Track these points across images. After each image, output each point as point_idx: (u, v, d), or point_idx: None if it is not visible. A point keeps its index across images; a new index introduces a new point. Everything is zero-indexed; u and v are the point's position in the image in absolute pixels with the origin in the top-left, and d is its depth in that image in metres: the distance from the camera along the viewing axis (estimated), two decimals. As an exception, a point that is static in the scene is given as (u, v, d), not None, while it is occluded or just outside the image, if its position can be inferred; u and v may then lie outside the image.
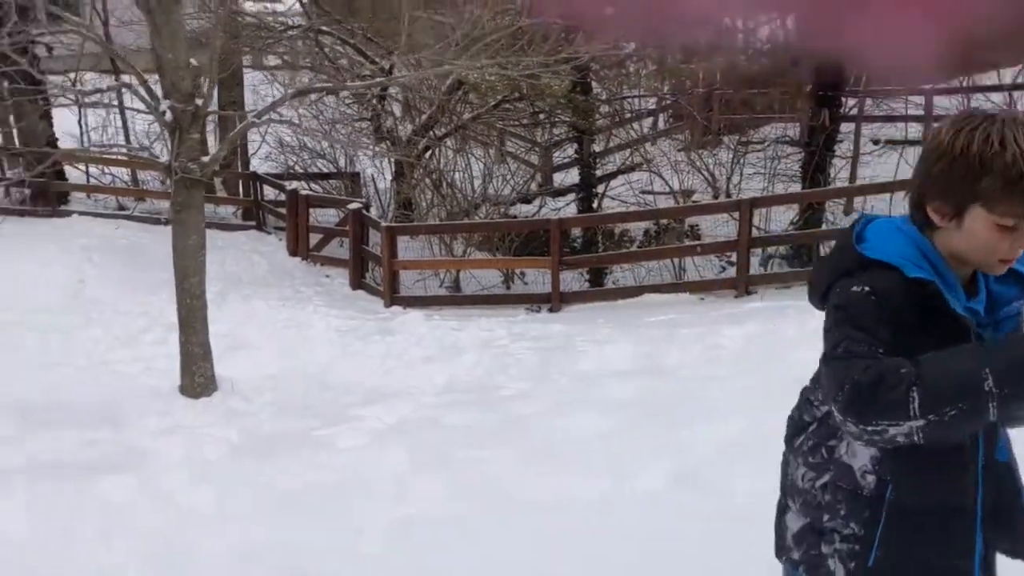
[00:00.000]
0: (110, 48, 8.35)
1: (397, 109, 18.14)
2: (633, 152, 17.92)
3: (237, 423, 7.51)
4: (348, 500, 5.09)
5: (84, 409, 8.59)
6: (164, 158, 8.72)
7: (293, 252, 16.26)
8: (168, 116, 8.26)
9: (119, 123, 18.90)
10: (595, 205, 16.86)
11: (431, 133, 16.66)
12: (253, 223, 17.78)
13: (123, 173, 18.28)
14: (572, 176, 18.09)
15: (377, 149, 15.80)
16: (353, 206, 14.80)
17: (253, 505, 5.30)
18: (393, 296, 13.69)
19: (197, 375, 8.74)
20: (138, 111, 9.78)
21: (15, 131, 16.86)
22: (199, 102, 8.32)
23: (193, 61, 8.39)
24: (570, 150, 18.30)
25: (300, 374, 9.53)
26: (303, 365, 10.01)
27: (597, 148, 17.47)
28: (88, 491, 5.77)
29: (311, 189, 17.31)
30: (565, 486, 4.80)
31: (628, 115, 18.67)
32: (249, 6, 11.84)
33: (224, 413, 8.07)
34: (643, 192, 17.18)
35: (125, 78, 17.76)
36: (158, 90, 8.32)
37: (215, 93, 8.78)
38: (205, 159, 8.51)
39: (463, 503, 4.78)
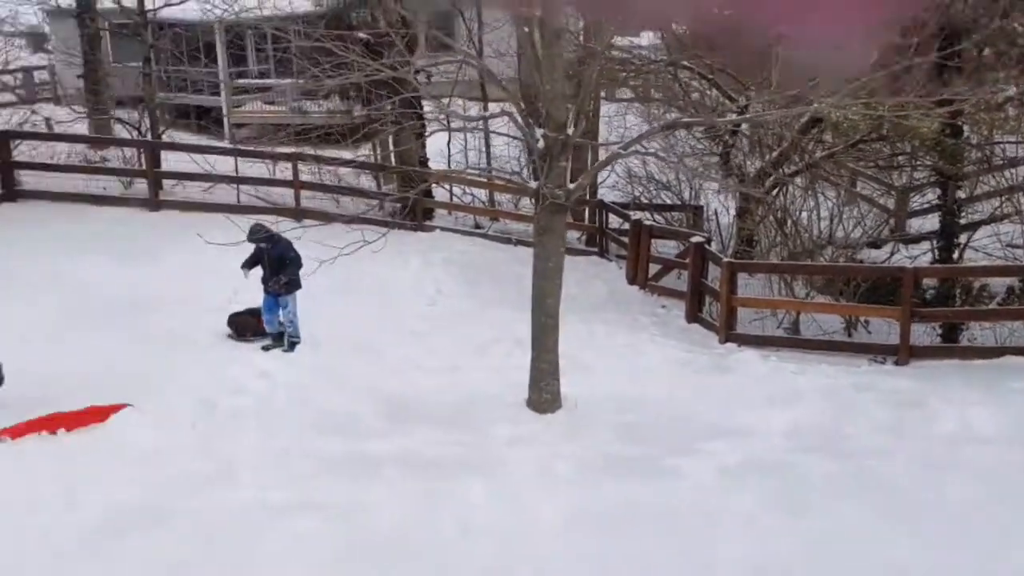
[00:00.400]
0: (493, 77, 8.97)
1: (746, 144, 17.97)
2: (1004, 202, 16.55)
3: (582, 441, 7.76)
4: (698, 531, 5.12)
5: (440, 410, 9.27)
6: (532, 183, 9.21)
7: (632, 280, 16.52)
8: (540, 144, 8.72)
9: (482, 146, 20.20)
10: (955, 256, 15.74)
11: (780, 170, 16.35)
12: (596, 250, 18.27)
13: (482, 194, 19.52)
14: (929, 223, 16.97)
15: (725, 184, 15.74)
16: (695, 239, 14.82)
17: (602, 523, 5.48)
18: (729, 332, 13.54)
19: (545, 391, 9.13)
20: (511, 136, 10.38)
21: (392, 152, 18.50)
22: (570, 131, 8.72)
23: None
24: (930, 195, 17.20)
25: (639, 400, 9.67)
26: (642, 392, 10.15)
27: (962, 195, 16.32)
28: (448, 488, 6.24)
29: (654, 220, 17.52)
30: (932, 552, 4.53)
31: (1001, 161, 17.27)
32: (618, 40, 12.27)
33: (568, 430, 8.36)
34: (1010, 246, 15.82)
35: (493, 107, 19.01)
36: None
37: (580, 124, 9.17)
38: (571, 186, 8.90)
39: (820, 555, 4.66)
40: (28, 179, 18.70)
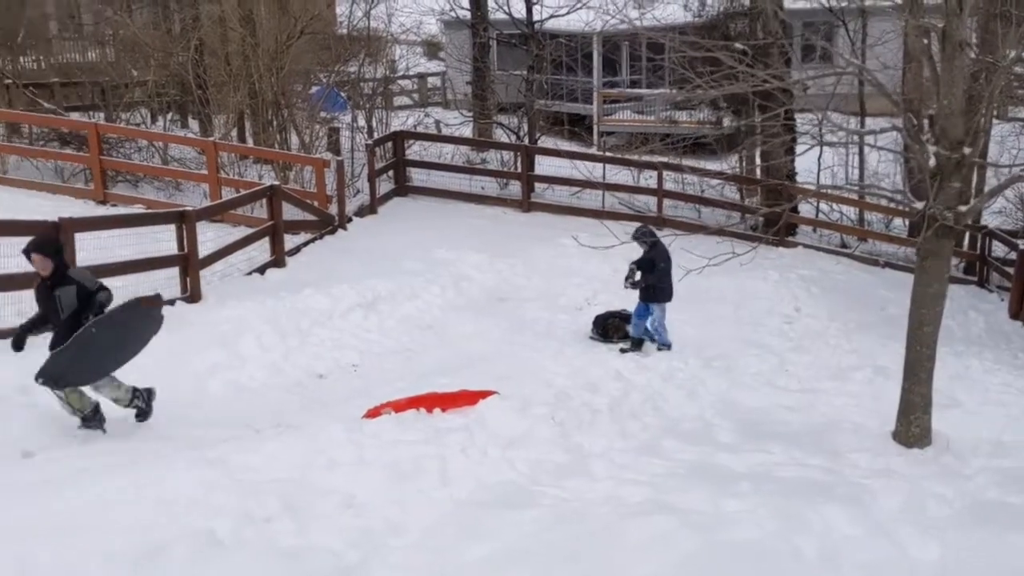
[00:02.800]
0: (884, 90, 8.53)
1: None
2: None
3: (954, 484, 7.21)
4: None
5: (797, 431, 9.00)
6: (917, 204, 8.67)
7: (1015, 315, 15.15)
8: (932, 162, 8.20)
9: (853, 163, 19.41)
10: None
11: None
12: (975, 279, 16.95)
13: (850, 212, 18.75)
14: None
15: None
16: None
17: (980, 573, 5.06)
18: None
19: (914, 424, 8.58)
20: (892, 151, 9.86)
21: (759, 165, 18.26)
22: (967, 150, 8.12)
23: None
24: None
25: (1021, 446, 8.81)
26: (1023, 437, 9.24)
27: None
28: (808, 511, 6.04)
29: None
30: None
31: None
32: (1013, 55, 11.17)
33: (939, 470, 7.80)
34: None
35: (871, 122, 18.14)
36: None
37: (979, 142, 8.50)
38: (962, 209, 8.28)
39: None
40: (418, 175, 20.46)
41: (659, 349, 11.89)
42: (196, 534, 5.59)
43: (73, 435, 7.86)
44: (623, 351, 11.77)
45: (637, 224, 12.35)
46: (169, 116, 22.24)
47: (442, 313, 13.08)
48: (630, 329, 12.02)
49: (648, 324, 11.96)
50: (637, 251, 11.82)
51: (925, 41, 8.52)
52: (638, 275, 11.67)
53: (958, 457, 8.31)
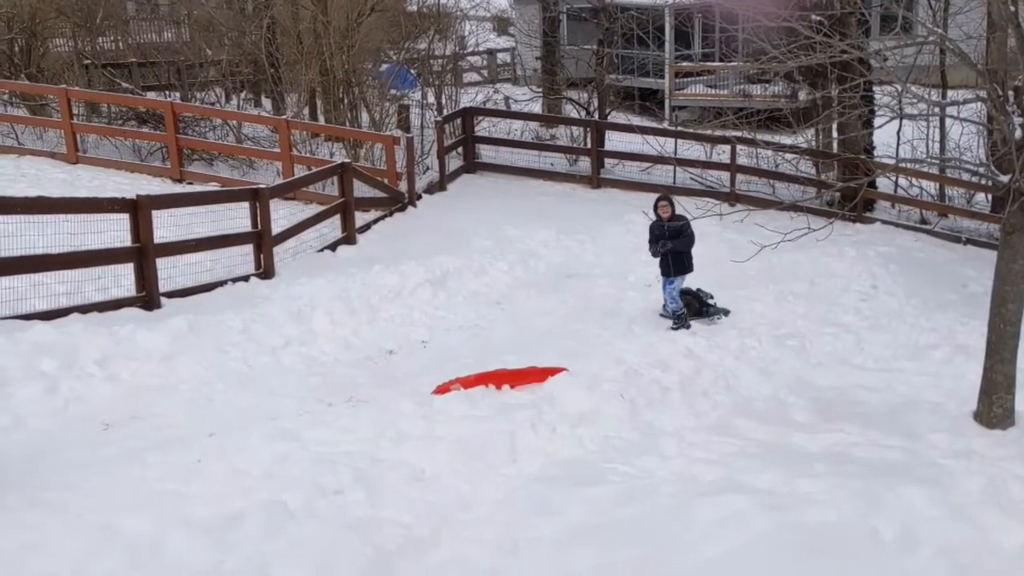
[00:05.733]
0: (968, 59, 8.23)
1: None
2: None
3: (1040, 466, 6.96)
4: None
5: (874, 411, 8.79)
6: (1001, 177, 8.37)
7: (1105, 293, 14.59)
8: (1019, 134, 7.89)
9: (934, 136, 18.86)
10: None
11: None
12: (1061, 255, 16.37)
13: (930, 187, 18.25)
14: None
15: None
16: None
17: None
18: None
19: (996, 404, 8.31)
20: (976, 123, 9.52)
21: (835, 138, 17.85)
22: (1054, 121, 7.80)
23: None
24: None
25: (1110, 430, 8.47)
26: (1113, 420, 8.89)
27: None
28: (886, 492, 5.89)
29: None
30: None
31: None
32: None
33: (1022, 451, 7.55)
34: None
35: (952, 94, 17.58)
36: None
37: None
38: (1050, 182, 7.96)
39: None
40: (486, 152, 20.47)
41: (676, 316, 11.78)
42: (270, 505, 5.67)
43: (150, 407, 8.03)
44: (674, 328, 11.60)
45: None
46: (242, 95, 22.54)
47: (510, 290, 13.07)
48: (668, 306, 11.90)
49: (664, 293, 11.97)
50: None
51: (1012, 8, 8.18)
52: (666, 244, 11.61)
53: (1043, 439, 8.03)
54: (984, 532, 5.22)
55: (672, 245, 11.58)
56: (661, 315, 12.21)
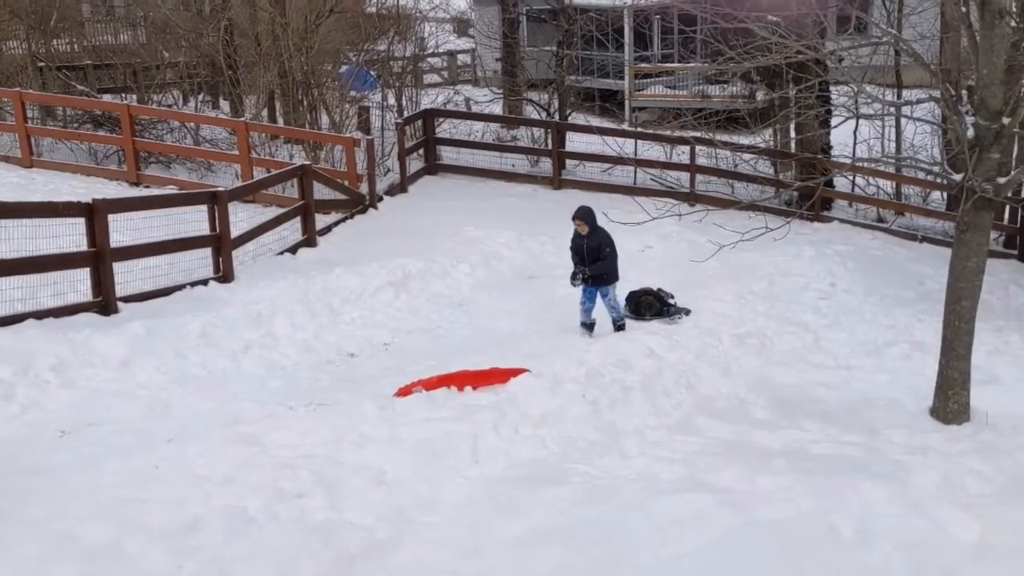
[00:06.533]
0: (921, 60, 8.35)
1: None
2: None
3: (994, 461, 7.08)
4: None
5: (833, 408, 8.90)
6: (955, 176, 8.51)
7: (1059, 289, 14.88)
8: (971, 133, 8.03)
9: (890, 136, 19.10)
10: None
11: None
12: (1015, 252, 16.66)
13: (887, 186, 18.49)
14: None
15: None
16: None
17: (1021, 550, 4.96)
18: None
19: (951, 400, 8.45)
20: (929, 123, 9.66)
21: (793, 138, 18.02)
22: (1006, 121, 7.93)
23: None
24: None
25: (1060, 423, 8.64)
26: (1063, 413, 9.06)
27: None
28: (844, 489, 5.96)
29: (1089, 224, 15.64)
30: None
31: None
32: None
33: (977, 446, 7.67)
34: None
35: (907, 93, 17.83)
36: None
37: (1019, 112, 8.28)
38: (1001, 180, 8.11)
39: None
40: (447, 153, 20.42)
41: (618, 326, 11.47)
42: (229, 510, 5.62)
43: (108, 413, 7.93)
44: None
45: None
46: (200, 97, 22.32)
47: (472, 291, 13.06)
48: (582, 315, 11.44)
49: (602, 303, 11.39)
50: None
51: (963, 9, 8.32)
52: (583, 271, 11.07)
53: (997, 434, 8.16)
54: (940, 527, 5.30)
55: (591, 272, 11.05)
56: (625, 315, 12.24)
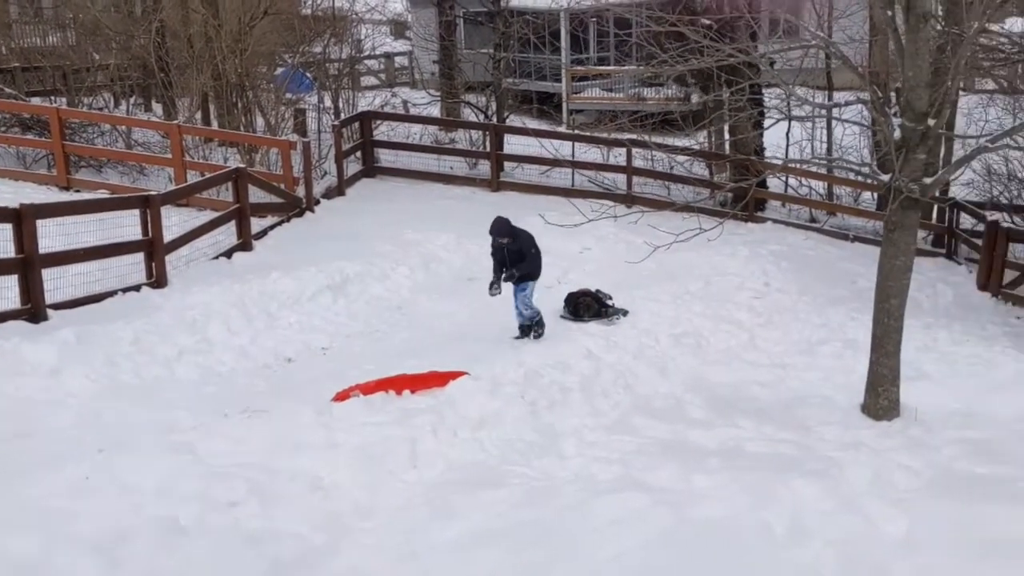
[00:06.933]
0: (850, 63, 8.53)
1: None
2: None
3: (923, 455, 7.25)
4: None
5: (767, 406, 9.04)
6: (883, 176, 8.70)
7: (983, 287, 15.23)
8: (897, 134, 8.21)
9: (822, 137, 19.42)
10: None
11: None
12: (943, 251, 17.03)
13: (819, 186, 18.79)
14: None
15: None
16: (1063, 246, 13.42)
17: (947, 543, 5.08)
18: (1099, 352, 12.12)
19: (882, 396, 8.63)
20: (859, 124, 9.86)
21: (727, 140, 18.23)
22: (931, 122, 8.13)
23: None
24: None
25: (988, 416, 8.86)
26: (990, 407, 9.27)
27: None
28: (778, 486, 6.05)
29: (1013, 222, 16.04)
30: None
31: None
32: (988, 27, 11.22)
33: (907, 441, 7.85)
34: None
35: (838, 95, 18.17)
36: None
37: (943, 114, 8.51)
38: (928, 181, 8.30)
39: None
40: (385, 156, 20.32)
41: (526, 326, 11.21)
42: (160, 521, 5.52)
43: (38, 422, 7.74)
44: (517, 338, 11.18)
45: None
46: (132, 100, 21.89)
47: (411, 294, 13.01)
48: (521, 317, 11.22)
49: (518, 302, 11.16)
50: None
51: (889, 13, 8.51)
52: (511, 273, 10.88)
53: (926, 429, 8.36)
54: (870, 522, 5.40)
55: (518, 272, 10.86)
56: (562, 317, 12.27)
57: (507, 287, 11.15)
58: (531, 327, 11.22)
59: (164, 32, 20.08)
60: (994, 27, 14.53)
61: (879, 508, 5.57)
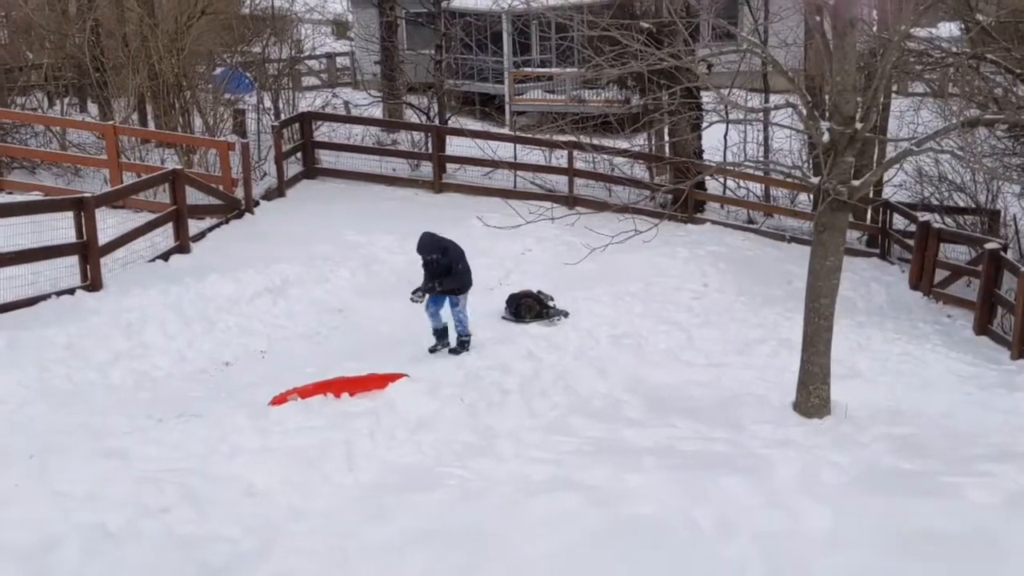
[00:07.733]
0: (779, 67, 8.71)
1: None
2: None
3: (851, 452, 7.41)
4: (978, 561, 4.77)
5: (702, 405, 9.16)
6: (813, 179, 8.88)
7: (915, 286, 15.58)
8: (826, 137, 8.38)
9: (759, 140, 19.71)
10: None
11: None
12: (876, 251, 17.38)
13: (757, 188, 19.06)
14: None
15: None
16: (990, 246, 13.75)
17: (871, 538, 5.21)
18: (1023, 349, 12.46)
19: (813, 395, 8.80)
20: (793, 128, 10.05)
21: (667, 143, 18.41)
22: (858, 126, 8.32)
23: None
24: None
25: (916, 413, 9.10)
26: (919, 405, 9.53)
27: None
28: (709, 483, 6.16)
29: (943, 223, 16.44)
30: None
31: None
32: (917, 32, 11.50)
33: (836, 438, 8.02)
34: None
35: (775, 99, 18.44)
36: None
37: (871, 118, 8.71)
38: (856, 183, 8.49)
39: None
40: (326, 158, 20.20)
41: (461, 340, 10.78)
42: (89, 527, 5.47)
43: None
44: (432, 350, 10.69)
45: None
46: (67, 100, 21.52)
47: (352, 296, 12.96)
48: (430, 319, 10.76)
49: (452, 313, 10.74)
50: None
51: (818, 18, 8.69)
52: (433, 285, 10.48)
53: (856, 426, 8.54)
54: (796, 517, 5.53)
55: (443, 287, 10.46)
56: (503, 318, 12.31)
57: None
58: (463, 340, 10.77)
59: (99, 31, 19.77)
60: (922, 32, 14.89)
61: (805, 504, 5.70)
